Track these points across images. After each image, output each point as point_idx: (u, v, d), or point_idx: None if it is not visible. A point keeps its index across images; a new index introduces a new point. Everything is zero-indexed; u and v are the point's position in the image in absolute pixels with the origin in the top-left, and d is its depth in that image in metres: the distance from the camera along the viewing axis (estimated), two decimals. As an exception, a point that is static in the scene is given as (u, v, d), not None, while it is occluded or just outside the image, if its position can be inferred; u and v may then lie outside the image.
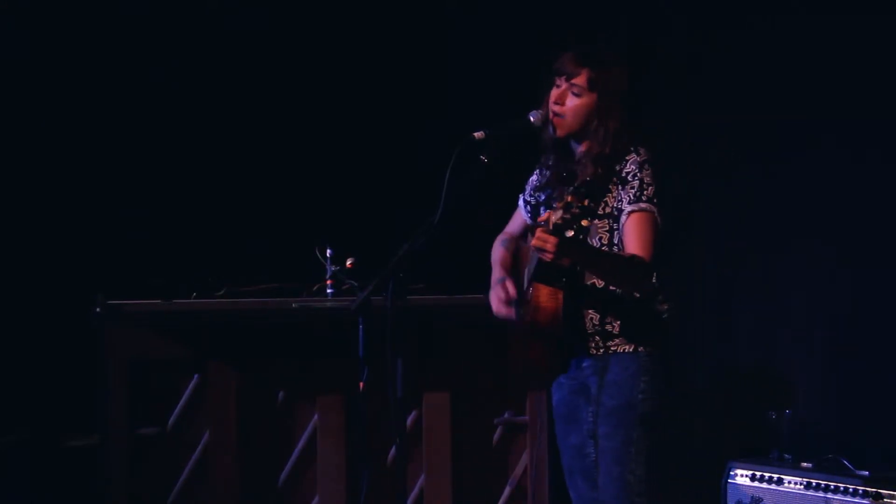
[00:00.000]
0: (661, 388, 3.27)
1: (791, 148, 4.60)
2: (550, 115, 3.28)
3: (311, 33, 5.30)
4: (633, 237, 3.21)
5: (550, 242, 2.92)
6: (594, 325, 3.29)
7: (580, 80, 3.25)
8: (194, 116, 5.09)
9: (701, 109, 4.80)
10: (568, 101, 3.26)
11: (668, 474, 3.38)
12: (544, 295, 3.24)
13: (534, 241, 2.97)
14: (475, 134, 3.18)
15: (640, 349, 3.26)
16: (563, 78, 3.27)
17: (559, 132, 3.29)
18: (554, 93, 3.28)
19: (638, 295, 3.26)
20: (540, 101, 3.33)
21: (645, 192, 3.20)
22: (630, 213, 3.21)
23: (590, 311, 3.30)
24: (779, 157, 4.64)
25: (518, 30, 5.27)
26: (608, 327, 3.28)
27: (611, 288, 3.27)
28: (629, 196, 3.22)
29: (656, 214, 3.20)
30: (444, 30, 5.42)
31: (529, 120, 3.29)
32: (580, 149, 3.32)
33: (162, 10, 5.08)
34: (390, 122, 5.20)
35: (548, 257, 2.96)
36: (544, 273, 3.17)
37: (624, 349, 3.27)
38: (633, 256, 3.18)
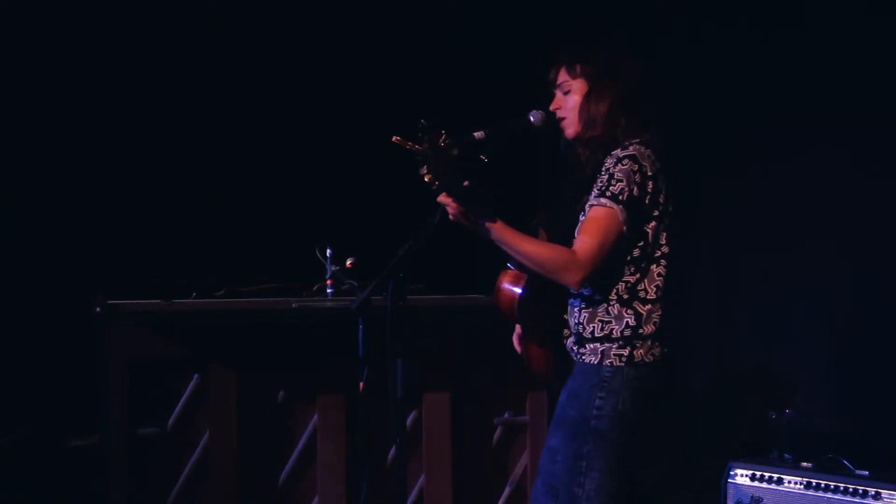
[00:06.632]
0: (618, 406, 3.15)
1: (791, 148, 4.60)
2: (560, 124, 3.31)
3: (311, 34, 5.31)
4: (579, 232, 3.16)
5: (452, 206, 3.09)
6: (575, 325, 3.28)
7: (561, 77, 3.32)
8: (195, 116, 5.09)
9: (701, 109, 4.80)
10: (563, 103, 3.31)
11: (631, 494, 3.31)
12: (508, 277, 3.31)
13: (441, 198, 3.09)
14: (475, 134, 3.17)
15: (606, 363, 3.18)
16: (552, 88, 3.34)
17: (569, 132, 3.31)
18: (552, 105, 3.33)
19: (571, 286, 3.14)
20: (541, 101, 3.35)
21: (610, 188, 3.11)
22: (590, 206, 3.15)
23: (572, 312, 3.30)
24: (779, 158, 4.64)
25: (518, 29, 5.28)
26: (582, 330, 3.25)
27: (586, 293, 3.23)
28: (595, 190, 3.15)
29: (618, 212, 3.09)
30: (444, 29, 5.42)
31: (529, 120, 3.30)
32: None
33: (164, 11, 5.08)
34: (390, 122, 5.19)
35: (454, 217, 3.12)
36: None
37: (590, 360, 3.22)
38: (554, 246, 3.12)
